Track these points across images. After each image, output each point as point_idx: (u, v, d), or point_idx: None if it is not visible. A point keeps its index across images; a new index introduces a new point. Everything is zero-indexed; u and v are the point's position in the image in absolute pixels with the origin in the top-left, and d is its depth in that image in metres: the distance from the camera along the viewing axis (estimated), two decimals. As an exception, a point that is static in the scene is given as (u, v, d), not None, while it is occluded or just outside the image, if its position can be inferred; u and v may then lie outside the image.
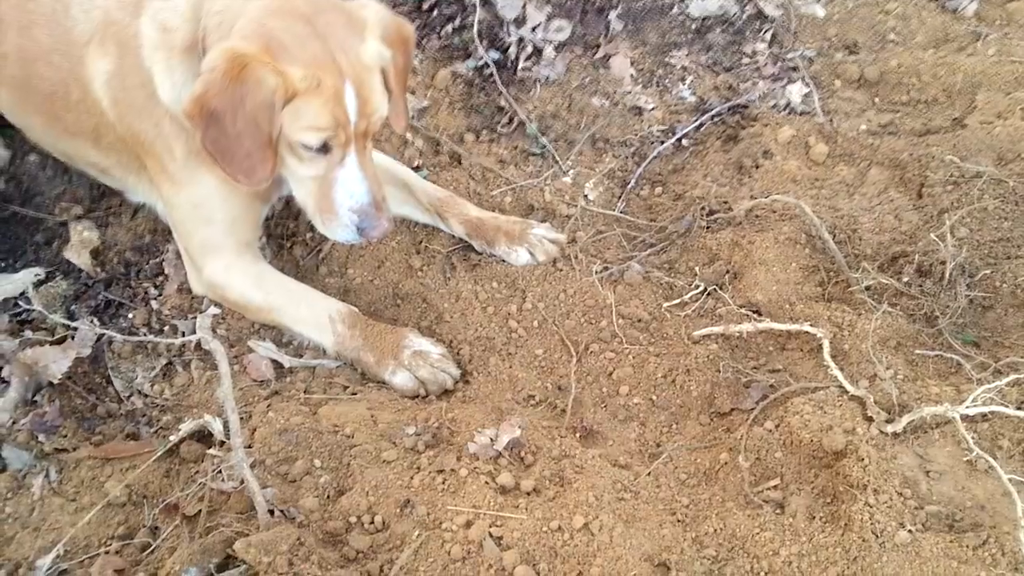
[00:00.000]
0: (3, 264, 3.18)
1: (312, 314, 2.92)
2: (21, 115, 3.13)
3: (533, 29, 3.92)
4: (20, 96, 3.02)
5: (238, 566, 2.16)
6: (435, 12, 4.02)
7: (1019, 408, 2.37)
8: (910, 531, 2.15)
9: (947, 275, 2.83)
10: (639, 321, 3.00)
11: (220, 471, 2.41)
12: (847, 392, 2.49)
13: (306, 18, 2.45)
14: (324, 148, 2.57)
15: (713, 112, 3.76)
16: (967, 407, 2.32)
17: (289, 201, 3.15)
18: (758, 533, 2.24)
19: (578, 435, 2.65)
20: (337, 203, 2.66)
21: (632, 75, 3.90)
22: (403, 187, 3.26)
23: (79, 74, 2.81)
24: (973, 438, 2.29)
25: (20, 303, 3.00)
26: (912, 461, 2.33)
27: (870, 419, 2.40)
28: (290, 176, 2.73)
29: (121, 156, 2.98)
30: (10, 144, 3.44)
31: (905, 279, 2.90)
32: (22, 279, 3.06)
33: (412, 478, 2.42)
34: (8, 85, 3.02)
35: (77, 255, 3.14)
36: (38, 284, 3.06)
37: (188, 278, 3.04)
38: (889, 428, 2.37)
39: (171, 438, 2.58)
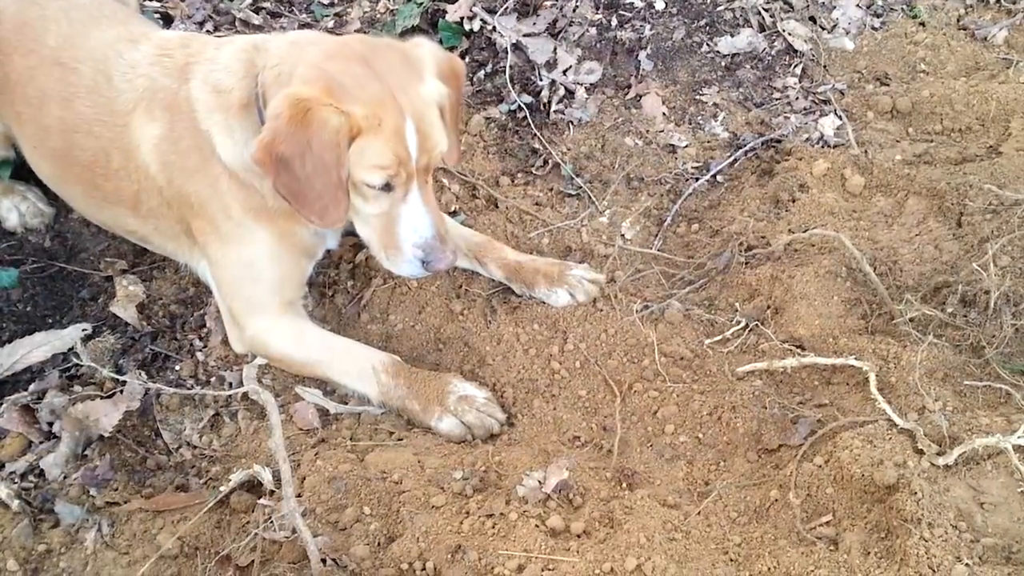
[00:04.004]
0: (51, 320, 3.23)
1: (355, 366, 2.95)
2: (62, 186, 3.20)
3: (564, 72, 3.96)
4: (62, 167, 3.09)
5: (293, 616, 2.17)
6: (467, 58, 4.07)
7: (1072, 437, 2.34)
8: (967, 565, 2.12)
9: (992, 304, 2.80)
10: (681, 359, 2.99)
11: (271, 520, 2.43)
12: (896, 425, 2.47)
13: (363, 59, 2.50)
14: (387, 186, 2.60)
15: (747, 147, 3.77)
16: (1019, 437, 2.30)
17: (330, 251, 3.19)
18: (813, 571, 2.22)
19: (623, 484, 2.63)
20: (401, 238, 2.70)
21: (664, 113, 3.93)
22: (441, 233, 3.29)
23: (122, 142, 2.87)
24: (1027, 468, 2.27)
25: (70, 358, 3.05)
26: (965, 493, 2.30)
27: (921, 452, 2.38)
28: (354, 215, 2.76)
29: (160, 222, 3.03)
30: (53, 202, 3.50)
31: (949, 310, 2.88)
32: (70, 335, 3.11)
33: (462, 523, 2.42)
34: (50, 158, 3.09)
35: (123, 309, 3.18)
36: (86, 339, 3.10)
37: (229, 337, 3.07)
38: (940, 460, 2.34)
39: (221, 489, 2.61)
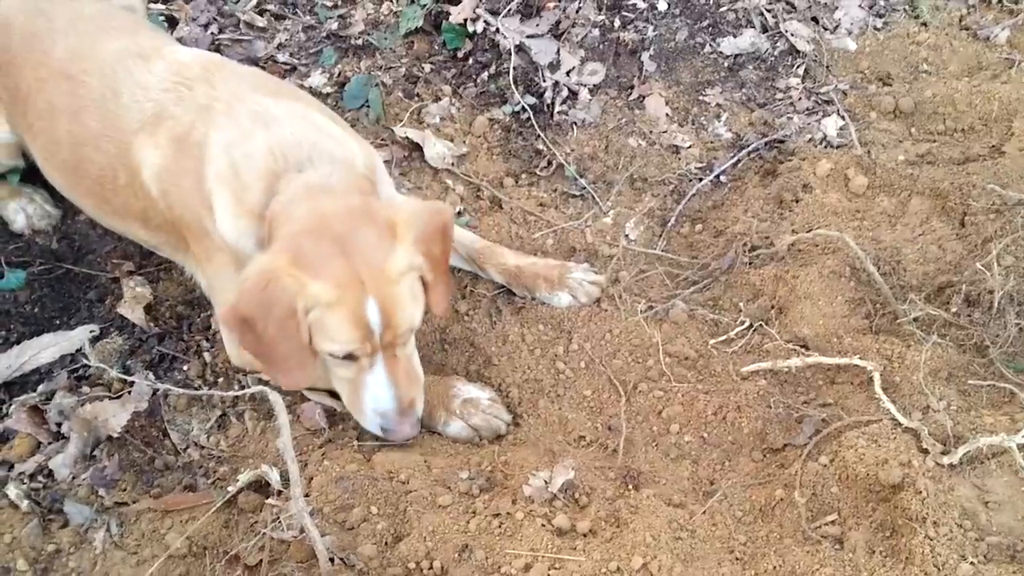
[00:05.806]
0: (58, 322, 3.24)
1: None
2: (74, 196, 3.19)
3: (567, 73, 3.97)
4: (72, 180, 3.08)
5: (302, 615, 2.18)
6: (471, 60, 4.08)
7: (1076, 436, 2.36)
8: (972, 563, 2.14)
9: (995, 304, 2.81)
10: (686, 359, 3.00)
11: (279, 520, 2.44)
12: (901, 425, 2.48)
13: (338, 238, 2.44)
14: (350, 356, 2.56)
15: (750, 148, 3.78)
16: (1023, 436, 2.32)
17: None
18: (818, 569, 2.24)
19: (629, 483, 2.64)
20: (364, 403, 2.66)
21: (667, 114, 3.94)
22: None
23: (126, 160, 2.83)
24: (1031, 467, 2.29)
25: (78, 359, 3.06)
26: (970, 492, 2.32)
27: (925, 451, 2.40)
28: (328, 372, 2.75)
29: (169, 236, 3.00)
30: (60, 204, 3.51)
31: (953, 309, 2.89)
32: (78, 336, 3.12)
33: (469, 522, 2.44)
34: (61, 169, 3.08)
35: (131, 310, 3.19)
36: (94, 340, 3.12)
37: (227, 352, 3.05)
38: (945, 460, 2.36)
39: (229, 489, 2.63)
